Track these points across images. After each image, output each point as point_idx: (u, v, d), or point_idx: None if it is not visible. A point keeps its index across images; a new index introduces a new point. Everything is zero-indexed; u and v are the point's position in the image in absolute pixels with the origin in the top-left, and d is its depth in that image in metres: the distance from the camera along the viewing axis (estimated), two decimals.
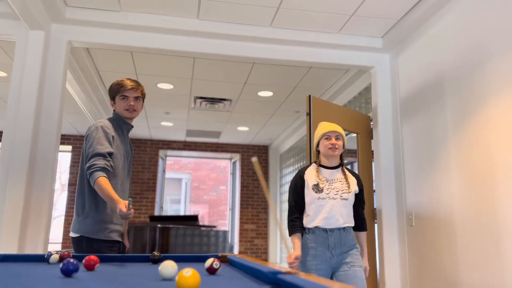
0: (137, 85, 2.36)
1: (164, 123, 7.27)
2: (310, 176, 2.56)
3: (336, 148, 2.54)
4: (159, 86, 5.43)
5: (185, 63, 4.73)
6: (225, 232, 5.80)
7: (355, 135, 4.27)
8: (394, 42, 3.93)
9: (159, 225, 5.34)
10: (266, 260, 8.42)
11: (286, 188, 8.02)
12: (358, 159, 4.17)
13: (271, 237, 8.47)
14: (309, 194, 2.50)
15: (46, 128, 3.51)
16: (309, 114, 3.74)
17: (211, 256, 1.96)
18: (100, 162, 2.13)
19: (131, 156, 2.47)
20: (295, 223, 2.53)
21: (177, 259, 1.91)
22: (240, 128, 7.54)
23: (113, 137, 2.26)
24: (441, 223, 3.21)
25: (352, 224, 2.53)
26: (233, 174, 9.27)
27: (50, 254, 1.80)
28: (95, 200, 2.20)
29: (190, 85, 5.39)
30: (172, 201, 13.59)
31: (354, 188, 2.55)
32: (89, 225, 2.19)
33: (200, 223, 9.53)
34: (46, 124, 3.52)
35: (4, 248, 3.16)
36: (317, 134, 2.62)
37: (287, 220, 2.57)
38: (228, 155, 8.93)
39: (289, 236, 2.53)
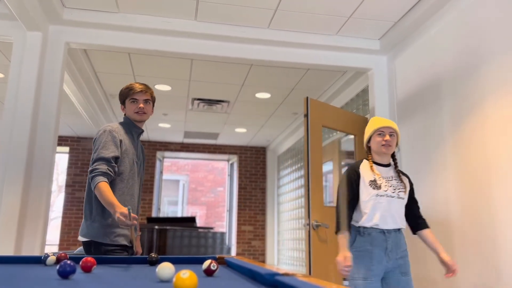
0: (147, 88, 2.38)
1: (161, 125, 7.26)
2: (366, 172, 2.37)
3: (390, 146, 2.36)
4: (157, 88, 5.43)
5: (182, 65, 4.73)
6: (222, 234, 5.80)
7: (352, 136, 4.27)
8: (391, 44, 3.94)
9: (156, 227, 5.33)
10: (263, 261, 8.41)
11: (284, 189, 8.02)
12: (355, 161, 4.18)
13: (269, 238, 8.47)
14: (366, 191, 2.32)
15: (43, 129, 3.50)
16: (306, 115, 3.74)
17: (208, 258, 1.96)
18: (103, 167, 2.12)
19: (142, 160, 2.46)
20: (344, 220, 2.32)
21: (174, 261, 1.91)
22: (238, 130, 7.54)
23: (121, 141, 2.25)
24: (438, 224, 3.21)
25: (405, 226, 2.38)
26: (231, 175, 9.26)
27: (46, 256, 1.79)
28: (102, 204, 2.19)
29: (187, 86, 5.39)
30: (170, 203, 13.57)
31: (408, 187, 2.41)
32: (96, 229, 2.19)
33: (198, 224, 9.51)
34: (43, 125, 3.51)
35: (0, 249, 3.14)
36: (368, 129, 2.43)
37: (336, 217, 2.36)
38: (225, 156, 8.92)
39: (336, 233, 2.32)
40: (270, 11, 3.56)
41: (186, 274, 0.98)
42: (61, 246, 7.62)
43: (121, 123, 2.39)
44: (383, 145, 2.35)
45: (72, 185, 7.87)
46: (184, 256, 2.01)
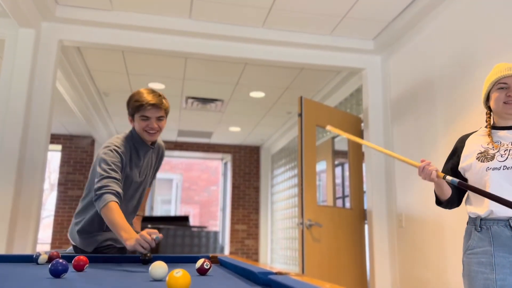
0: (160, 102, 1.98)
1: None
2: (476, 141, 1.75)
3: None
4: (150, 86, 5.41)
5: (176, 63, 4.71)
6: (216, 233, 5.79)
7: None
8: (385, 44, 3.96)
9: (149, 226, 5.31)
10: (256, 260, 8.42)
11: (278, 188, 8.03)
12: (348, 160, 4.20)
13: (262, 237, 8.47)
14: (475, 167, 1.69)
15: (35, 127, 3.48)
16: (300, 115, 3.75)
17: (201, 257, 1.96)
18: (115, 186, 1.83)
19: (154, 167, 2.22)
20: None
21: (167, 260, 1.90)
22: (232, 129, 7.53)
23: (123, 160, 1.99)
24: (431, 224, 3.23)
25: None
26: (225, 174, 9.25)
27: (38, 255, 1.78)
28: (97, 216, 2.04)
29: (181, 85, 5.37)
30: (163, 202, 13.53)
31: None
32: (78, 235, 2.09)
33: (191, 223, 9.51)
34: (35, 123, 3.49)
35: None
36: (486, 82, 1.77)
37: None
38: (219, 155, 8.91)
39: (438, 202, 1.82)
40: (265, 10, 3.56)
41: (179, 273, 0.98)
42: (53, 244, 7.58)
43: (126, 137, 2.06)
44: (505, 102, 1.67)
45: (64, 184, 7.82)
46: (177, 255, 2.01)
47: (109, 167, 1.88)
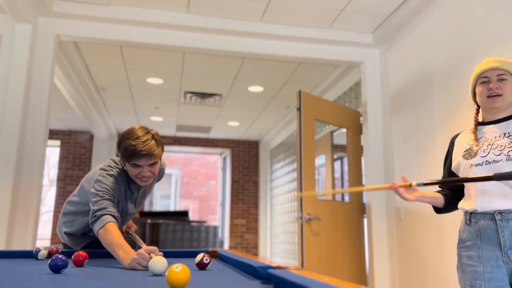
0: (153, 151, 1.82)
1: (153, 118, 7.22)
2: (463, 139, 1.79)
3: (498, 96, 1.66)
4: (149, 81, 5.39)
5: (175, 58, 4.70)
6: (215, 228, 5.81)
7: (345, 130, 4.29)
8: (383, 38, 3.95)
9: (149, 221, 5.33)
10: (256, 255, 8.44)
11: (277, 183, 8.04)
12: (347, 154, 4.20)
13: (262, 232, 8.50)
14: (460, 166, 1.72)
15: (33, 123, 3.47)
16: (299, 109, 3.75)
17: (201, 252, 1.96)
18: (113, 210, 1.76)
19: (143, 199, 2.16)
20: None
21: (167, 255, 1.91)
22: (231, 123, 7.52)
23: (120, 191, 1.95)
24: (429, 218, 3.24)
25: None
26: (224, 169, 9.26)
27: (38, 250, 1.78)
28: (79, 214, 2.06)
29: (180, 79, 5.36)
30: (162, 197, 13.54)
31: None
32: (68, 237, 2.11)
33: (191, 218, 9.53)
34: (33, 119, 3.48)
35: None
36: (471, 78, 1.80)
37: None
38: (218, 150, 8.91)
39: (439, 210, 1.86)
40: (263, 3, 3.54)
41: (179, 268, 0.98)
42: (53, 240, 7.59)
43: (121, 170, 1.95)
44: (488, 96, 1.68)
45: (63, 179, 7.82)
46: (176, 250, 2.01)
47: (107, 191, 1.81)
